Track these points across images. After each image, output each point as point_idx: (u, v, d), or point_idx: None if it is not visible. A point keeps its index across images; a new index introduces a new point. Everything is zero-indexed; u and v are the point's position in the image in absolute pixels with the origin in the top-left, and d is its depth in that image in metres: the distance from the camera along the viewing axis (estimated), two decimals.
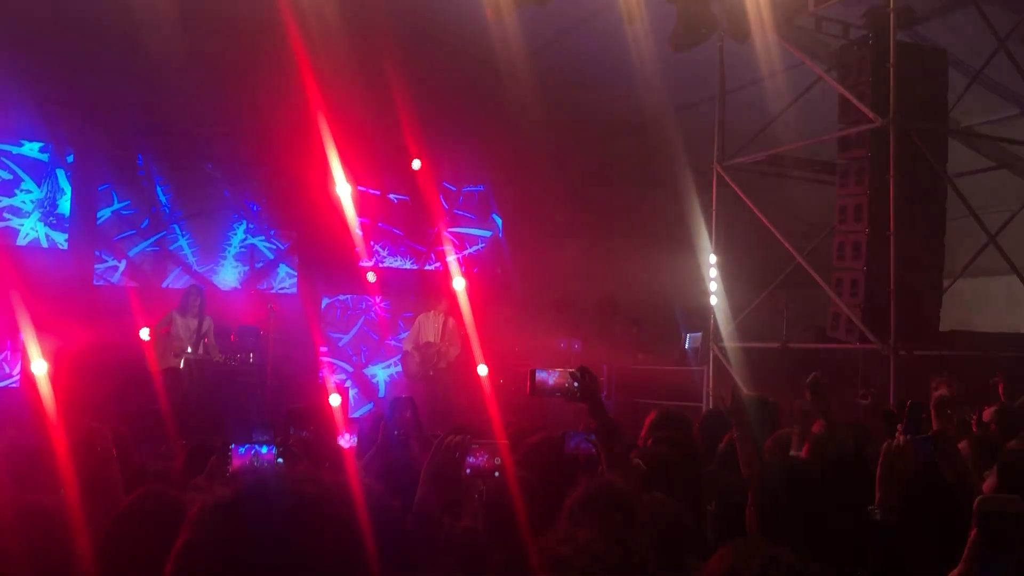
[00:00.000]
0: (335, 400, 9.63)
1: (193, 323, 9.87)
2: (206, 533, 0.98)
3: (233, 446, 3.01)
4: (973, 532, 2.20)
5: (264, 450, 3.06)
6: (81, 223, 11.07)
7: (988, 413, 5.55)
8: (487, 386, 10.33)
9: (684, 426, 4.47)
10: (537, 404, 10.14)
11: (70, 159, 11.06)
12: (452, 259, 12.63)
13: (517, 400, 9.25)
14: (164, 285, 11.52)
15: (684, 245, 11.95)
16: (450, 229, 13.19)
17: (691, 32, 9.41)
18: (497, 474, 3.04)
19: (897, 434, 3.79)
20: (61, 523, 2.64)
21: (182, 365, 9.64)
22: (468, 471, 2.95)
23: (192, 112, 10.91)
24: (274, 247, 12.16)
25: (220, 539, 0.97)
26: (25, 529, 2.61)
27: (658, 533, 2.90)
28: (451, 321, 10.91)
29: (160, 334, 9.87)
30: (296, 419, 3.08)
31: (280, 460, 3.03)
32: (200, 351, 9.85)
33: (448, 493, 2.64)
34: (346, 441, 3.95)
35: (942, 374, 7.10)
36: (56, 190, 11.06)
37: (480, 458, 3.04)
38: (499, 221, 13.92)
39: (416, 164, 11.95)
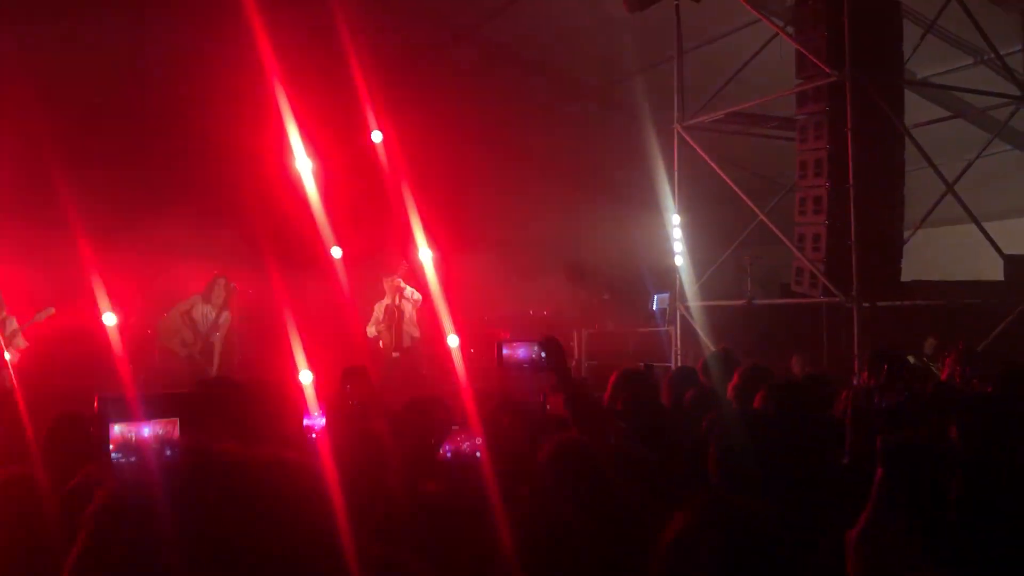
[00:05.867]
0: (306, 377, 9.54)
1: (212, 313, 9.93)
2: (98, 540, 0.94)
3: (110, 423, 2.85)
4: (879, 472, 2.23)
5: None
6: None
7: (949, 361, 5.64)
8: (457, 357, 10.33)
9: (646, 381, 4.51)
10: (509, 371, 10.16)
11: None
12: (419, 231, 12.50)
13: (489, 369, 9.27)
14: None
15: (650, 207, 11.98)
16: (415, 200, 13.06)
17: None
18: (478, 454, 3.00)
19: (858, 382, 3.87)
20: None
21: (184, 354, 9.73)
22: (449, 455, 2.92)
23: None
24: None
25: (115, 544, 0.93)
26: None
27: (633, 484, 2.94)
28: (407, 305, 10.84)
29: (180, 313, 9.95)
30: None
31: None
32: (212, 341, 9.93)
33: (421, 475, 2.64)
34: (315, 420, 3.88)
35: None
36: None
37: (460, 442, 2.99)
38: None
39: (377, 136, 11.82)
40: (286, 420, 3.56)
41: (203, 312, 10.12)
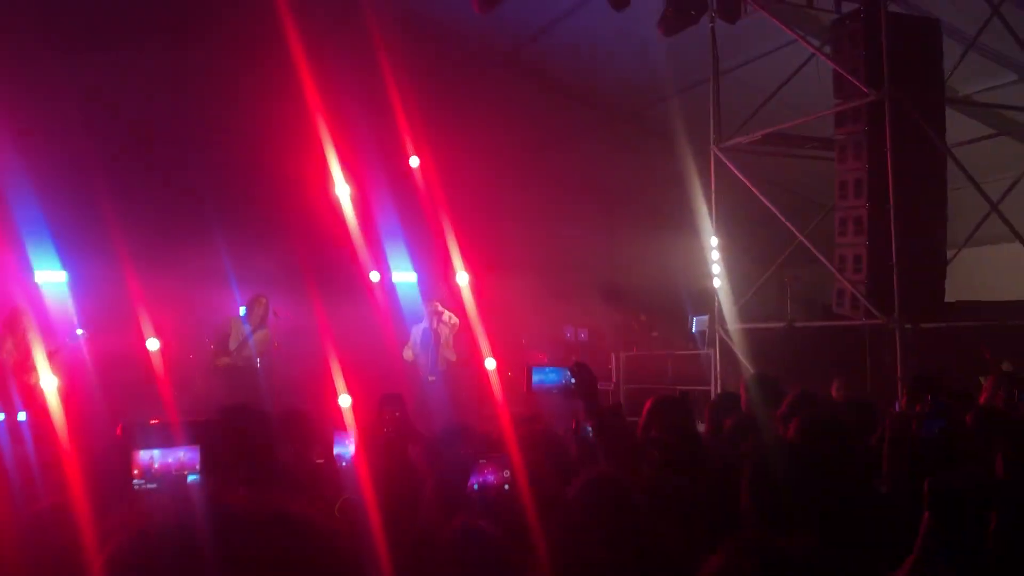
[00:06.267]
0: (344, 401, 9.59)
1: (245, 332, 10.13)
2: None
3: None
4: (926, 514, 2.16)
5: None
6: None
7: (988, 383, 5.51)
8: (495, 380, 10.34)
9: (681, 409, 4.47)
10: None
11: None
12: (455, 254, 12.56)
13: (526, 392, 9.25)
14: None
15: (688, 228, 11.91)
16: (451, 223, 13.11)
17: (680, 14, 9.36)
18: (507, 487, 2.97)
19: (895, 408, 3.79)
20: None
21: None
22: (476, 487, 2.89)
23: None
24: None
25: None
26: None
27: (666, 516, 2.91)
28: (444, 329, 10.87)
29: (220, 334, 10.14)
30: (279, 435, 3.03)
31: None
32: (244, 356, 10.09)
33: (453, 506, 2.63)
34: (346, 448, 3.89)
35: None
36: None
37: (488, 474, 2.95)
38: None
39: (414, 161, 11.93)
40: (309, 449, 3.57)
41: (238, 330, 10.30)
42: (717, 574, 1.75)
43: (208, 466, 2.84)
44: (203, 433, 2.93)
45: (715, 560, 1.79)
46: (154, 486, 2.77)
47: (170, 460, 2.86)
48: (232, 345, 10.27)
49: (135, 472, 2.78)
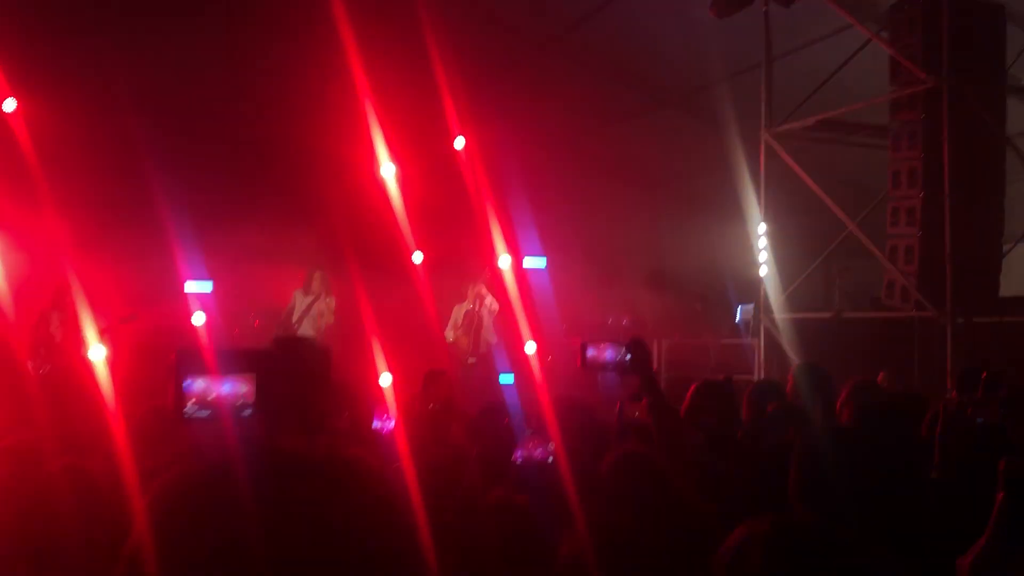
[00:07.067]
0: (385, 380, 9.63)
1: (306, 301, 10.35)
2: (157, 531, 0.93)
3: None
4: (999, 497, 2.09)
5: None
6: None
7: None
8: (535, 363, 10.31)
9: (725, 393, 4.39)
10: (587, 379, 10.10)
11: None
12: (498, 237, 12.50)
13: (566, 376, 9.22)
14: None
15: (735, 215, 11.74)
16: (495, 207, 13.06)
17: None
18: (551, 459, 2.96)
19: (951, 396, 3.70)
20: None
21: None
22: (520, 461, 2.89)
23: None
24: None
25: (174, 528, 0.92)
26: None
27: (709, 498, 2.86)
28: (485, 313, 10.88)
29: (286, 313, 10.57)
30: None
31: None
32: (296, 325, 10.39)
33: (496, 477, 2.62)
34: (386, 424, 3.91)
35: None
36: None
37: (533, 448, 2.96)
38: None
39: (459, 142, 11.89)
40: (362, 418, 3.57)
41: (300, 302, 10.60)
42: (732, 548, 1.74)
43: (261, 398, 2.80)
44: (259, 362, 2.87)
45: (733, 536, 1.78)
46: (207, 414, 2.74)
47: (226, 390, 2.83)
48: (295, 318, 10.53)
49: (190, 400, 2.75)
